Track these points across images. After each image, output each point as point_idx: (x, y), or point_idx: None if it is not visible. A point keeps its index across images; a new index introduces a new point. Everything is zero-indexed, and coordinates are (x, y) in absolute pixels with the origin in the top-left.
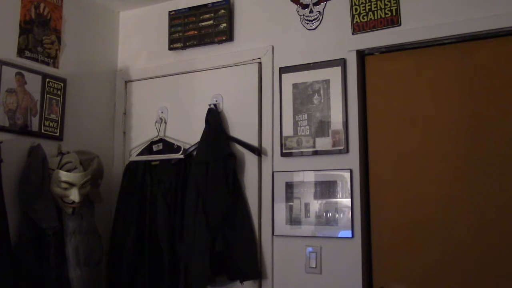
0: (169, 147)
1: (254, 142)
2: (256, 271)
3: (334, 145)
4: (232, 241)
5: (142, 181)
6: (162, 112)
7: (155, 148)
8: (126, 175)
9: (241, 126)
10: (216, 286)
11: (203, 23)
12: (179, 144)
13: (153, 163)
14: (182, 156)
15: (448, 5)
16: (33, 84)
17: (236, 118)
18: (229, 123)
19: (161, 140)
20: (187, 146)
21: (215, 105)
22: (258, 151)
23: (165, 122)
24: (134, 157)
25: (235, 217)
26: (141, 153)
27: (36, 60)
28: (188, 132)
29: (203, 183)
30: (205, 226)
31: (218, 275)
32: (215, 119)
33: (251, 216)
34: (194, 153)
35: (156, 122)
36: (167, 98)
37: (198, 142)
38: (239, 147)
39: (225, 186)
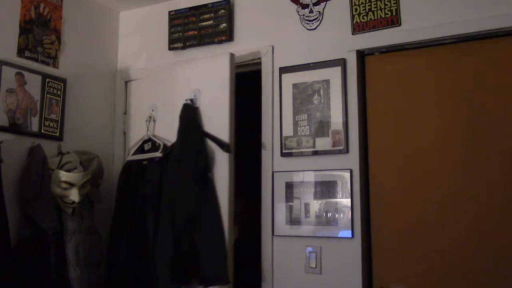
0: (154, 145)
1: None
2: (223, 275)
3: (334, 145)
4: (199, 242)
5: (134, 181)
6: (152, 111)
7: (146, 147)
8: (123, 175)
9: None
10: None
11: (203, 23)
12: (162, 142)
13: (143, 162)
14: (161, 155)
15: (448, 5)
16: (33, 84)
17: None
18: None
19: (150, 139)
20: (169, 144)
21: (191, 100)
22: (227, 147)
23: (154, 120)
24: (129, 157)
25: (203, 217)
26: (135, 153)
27: (36, 60)
28: (173, 129)
29: (173, 182)
30: (170, 227)
31: (186, 280)
32: (188, 115)
33: (221, 216)
34: None
35: (146, 120)
36: (157, 96)
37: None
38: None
39: (193, 185)
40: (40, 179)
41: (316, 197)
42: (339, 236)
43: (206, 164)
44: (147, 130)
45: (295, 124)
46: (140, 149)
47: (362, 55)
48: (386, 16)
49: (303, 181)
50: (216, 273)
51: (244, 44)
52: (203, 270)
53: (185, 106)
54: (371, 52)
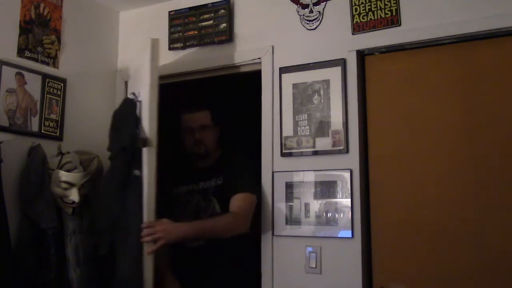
0: None
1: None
2: (136, 281)
3: (334, 145)
4: (118, 246)
5: None
6: None
7: None
8: None
9: None
10: None
11: (203, 23)
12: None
13: None
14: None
15: (448, 5)
16: (33, 84)
17: None
18: None
19: None
20: None
21: (134, 93)
22: (143, 142)
23: None
24: None
25: (124, 217)
26: None
27: (36, 60)
28: None
29: (104, 180)
30: (92, 228)
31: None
32: (122, 109)
33: (143, 217)
34: None
35: None
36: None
37: None
38: None
39: (116, 184)
40: (40, 179)
41: (316, 197)
42: (339, 236)
43: (130, 161)
44: None
45: (295, 124)
46: None
47: (362, 55)
48: (386, 16)
49: (303, 181)
50: (129, 281)
51: (244, 44)
52: (119, 273)
53: (123, 100)
54: (371, 52)
